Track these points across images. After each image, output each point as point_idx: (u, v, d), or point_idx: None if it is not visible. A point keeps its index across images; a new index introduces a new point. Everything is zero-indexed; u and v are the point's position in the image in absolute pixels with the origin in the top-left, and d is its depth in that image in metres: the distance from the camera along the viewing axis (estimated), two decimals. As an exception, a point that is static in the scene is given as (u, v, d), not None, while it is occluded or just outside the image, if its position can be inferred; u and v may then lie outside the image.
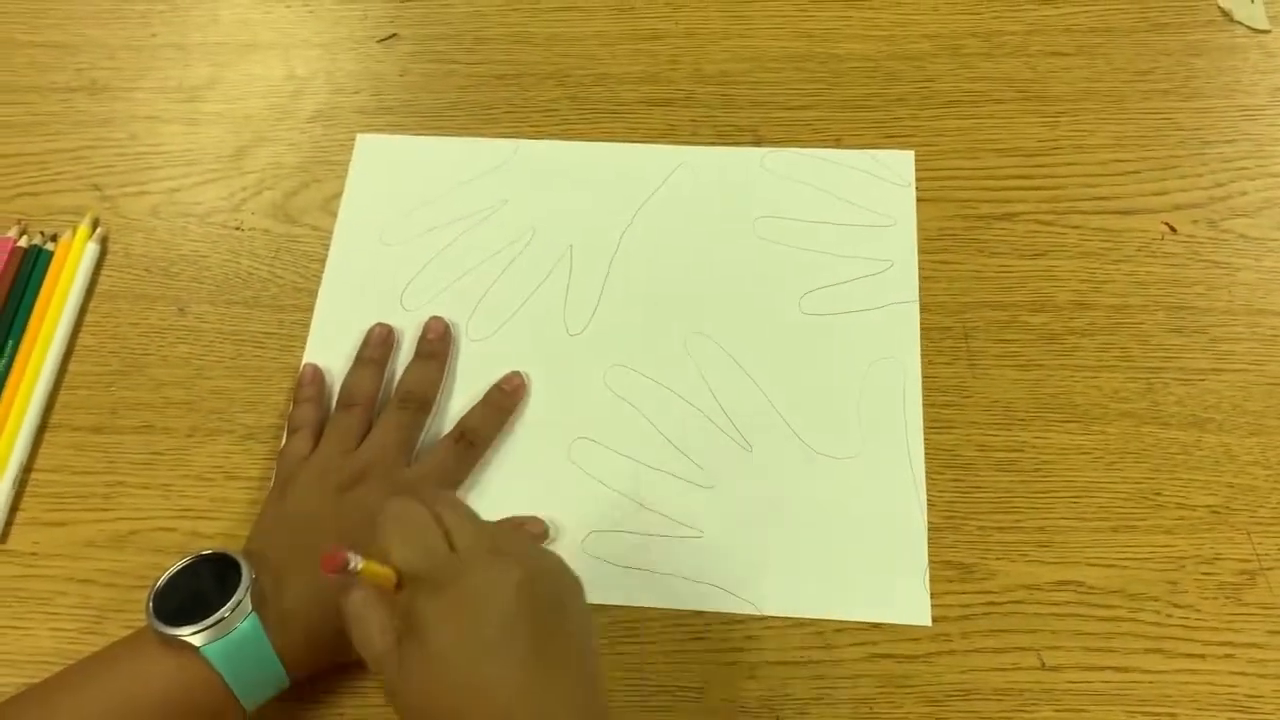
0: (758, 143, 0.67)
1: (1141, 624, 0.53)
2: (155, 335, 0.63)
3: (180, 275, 0.65)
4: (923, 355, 0.60)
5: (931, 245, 0.63)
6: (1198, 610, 0.53)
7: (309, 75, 0.72)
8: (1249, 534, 0.54)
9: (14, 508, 0.58)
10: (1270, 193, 0.64)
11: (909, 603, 0.53)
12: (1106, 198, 0.64)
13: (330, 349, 0.62)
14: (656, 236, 0.64)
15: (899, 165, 0.66)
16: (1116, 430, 0.57)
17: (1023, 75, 0.69)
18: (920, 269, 0.62)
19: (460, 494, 0.57)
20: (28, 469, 0.60)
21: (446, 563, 0.42)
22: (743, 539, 0.54)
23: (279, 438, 0.59)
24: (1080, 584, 0.54)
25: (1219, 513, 0.55)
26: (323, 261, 0.65)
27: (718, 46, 0.71)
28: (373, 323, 0.61)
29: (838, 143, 0.67)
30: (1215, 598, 0.53)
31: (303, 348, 0.62)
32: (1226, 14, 0.70)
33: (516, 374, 0.60)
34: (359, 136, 0.68)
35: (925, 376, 0.59)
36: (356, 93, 0.71)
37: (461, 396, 0.60)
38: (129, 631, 0.54)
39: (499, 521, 0.51)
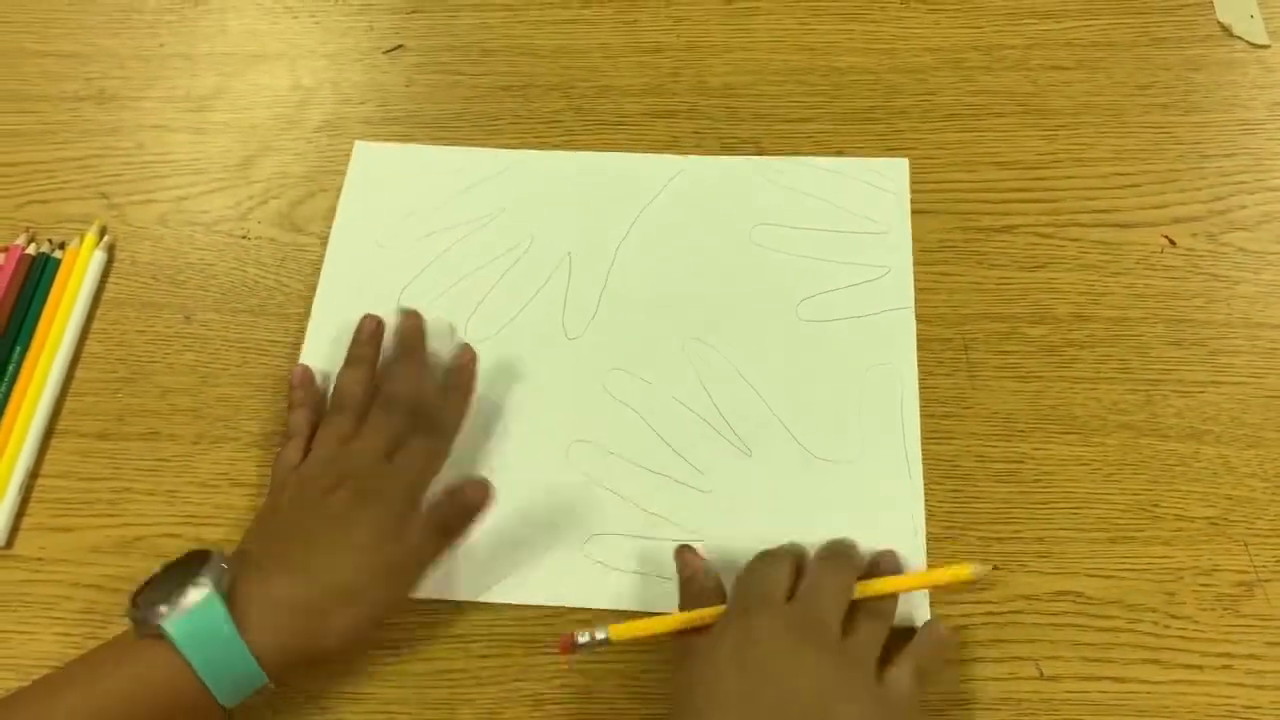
0: (759, 154, 0.67)
1: (1139, 635, 0.53)
2: (161, 343, 0.64)
3: (187, 283, 0.66)
4: (922, 366, 0.60)
5: (931, 257, 0.64)
6: (1195, 621, 0.53)
7: (315, 85, 0.73)
8: (1246, 546, 0.55)
9: (20, 513, 0.59)
10: (1269, 206, 0.64)
11: (908, 604, 0.53)
12: (1106, 210, 0.65)
13: (326, 351, 0.62)
14: (654, 243, 0.65)
15: (893, 173, 0.66)
16: (1115, 442, 0.58)
17: (1023, 89, 0.69)
18: (920, 280, 0.63)
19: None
20: (34, 474, 0.60)
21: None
22: (742, 543, 0.55)
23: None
24: (1079, 594, 0.54)
25: (1217, 524, 0.55)
26: (328, 270, 0.65)
27: (720, 59, 0.72)
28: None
29: (838, 154, 0.67)
30: (1213, 609, 0.53)
31: (308, 355, 0.62)
32: (1226, 29, 0.71)
33: (466, 347, 0.61)
34: (357, 144, 0.69)
35: (925, 387, 0.60)
36: (362, 103, 0.72)
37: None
38: (134, 637, 0.55)
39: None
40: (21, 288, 0.65)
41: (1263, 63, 0.70)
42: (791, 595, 0.49)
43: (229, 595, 0.48)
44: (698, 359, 0.61)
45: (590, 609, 0.54)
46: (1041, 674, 0.52)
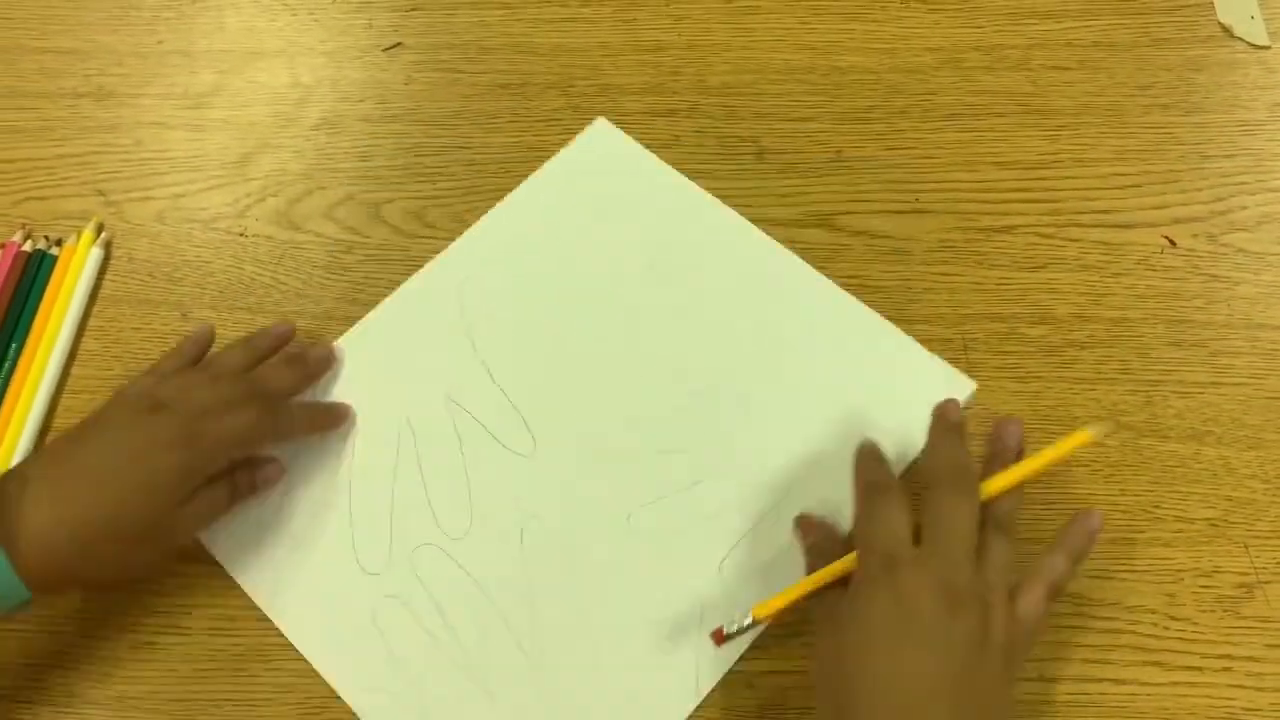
0: (759, 154, 0.67)
1: (1139, 636, 0.53)
2: (158, 340, 0.63)
3: (184, 281, 0.65)
4: (923, 366, 0.60)
5: (932, 257, 0.63)
6: (1195, 623, 0.53)
7: (314, 83, 0.72)
8: (1247, 547, 0.55)
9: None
10: (1269, 207, 0.64)
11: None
12: (1106, 211, 0.64)
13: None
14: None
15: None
16: (1115, 443, 0.57)
17: (1024, 89, 0.69)
18: (920, 280, 0.63)
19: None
20: (30, 472, 0.60)
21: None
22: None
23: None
24: (1078, 596, 0.54)
25: (1217, 526, 0.55)
26: (326, 267, 0.65)
27: (720, 58, 0.72)
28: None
29: (839, 155, 0.67)
30: (1213, 611, 0.53)
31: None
32: (1227, 30, 0.71)
33: (347, 407, 0.60)
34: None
35: (925, 387, 0.59)
36: (361, 100, 0.71)
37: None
38: (130, 635, 0.55)
39: None
40: (18, 284, 0.65)
41: (1264, 64, 0.70)
42: (917, 534, 0.47)
43: None
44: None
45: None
46: (1041, 675, 0.52)
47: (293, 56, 0.74)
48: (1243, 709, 0.51)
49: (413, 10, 0.75)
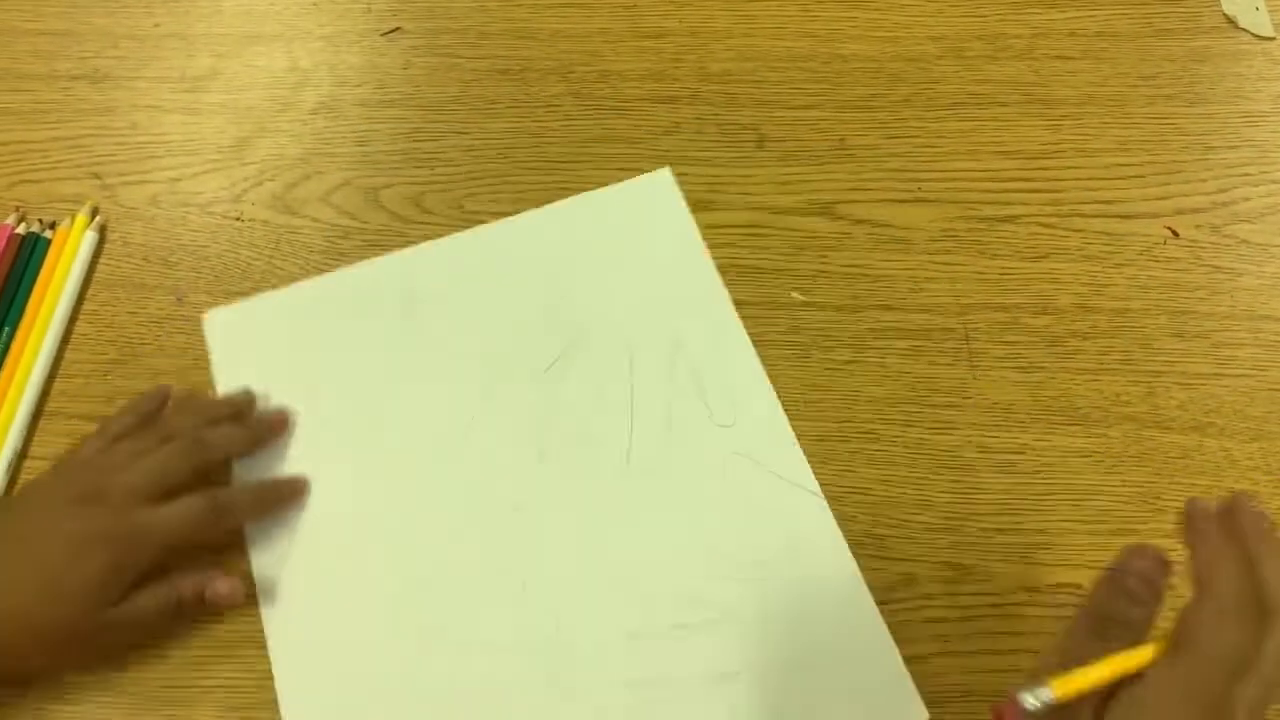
0: (760, 142, 0.67)
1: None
2: (153, 325, 0.63)
3: (179, 265, 0.65)
4: (923, 355, 0.60)
5: (934, 246, 0.63)
6: (1197, 614, 0.52)
7: (312, 67, 0.72)
8: (1249, 539, 0.54)
9: (7, 495, 0.58)
10: (1273, 198, 0.64)
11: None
12: (1109, 201, 0.64)
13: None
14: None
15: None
16: (1118, 434, 0.57)
17: (1027, 79, 0.69)
18: (922, 270, 0.62)
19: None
20: (23, 455, 0.59)
21: None
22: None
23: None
24: (1080, 587, 0.53)
25: (1219, 517, 0.55)
26: (324, 253, 0.64)
27: (722, 45, 0.71)
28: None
29: (840, 143, 0.67)
30: (1215, 602, 0.53)
31: (301, 339, 0.62)
32: (1231, 21, 0.70)
33: (301, 479, 0.57)
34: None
35: (925, 377, 0.59)
36: (359, 85, 0.71)
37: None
38: (122, 620, 0.54)
39: None
40: (11, 267, 0.64)
41: (1268, 55, 0.69)
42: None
43: None
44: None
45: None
46: (1041, 666, 0.51)
47: (290, 40, 0.73)
48: (1244, 701, 0.50)
49: (412, -5, 0.74)
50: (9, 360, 0.61)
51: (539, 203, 0.65)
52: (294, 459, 0.58)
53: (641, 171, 0.66)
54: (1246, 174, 0.65)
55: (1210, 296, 0.61)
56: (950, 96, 0.68)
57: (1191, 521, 0.43)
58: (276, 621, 0.54)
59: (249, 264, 0.64)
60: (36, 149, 0.69)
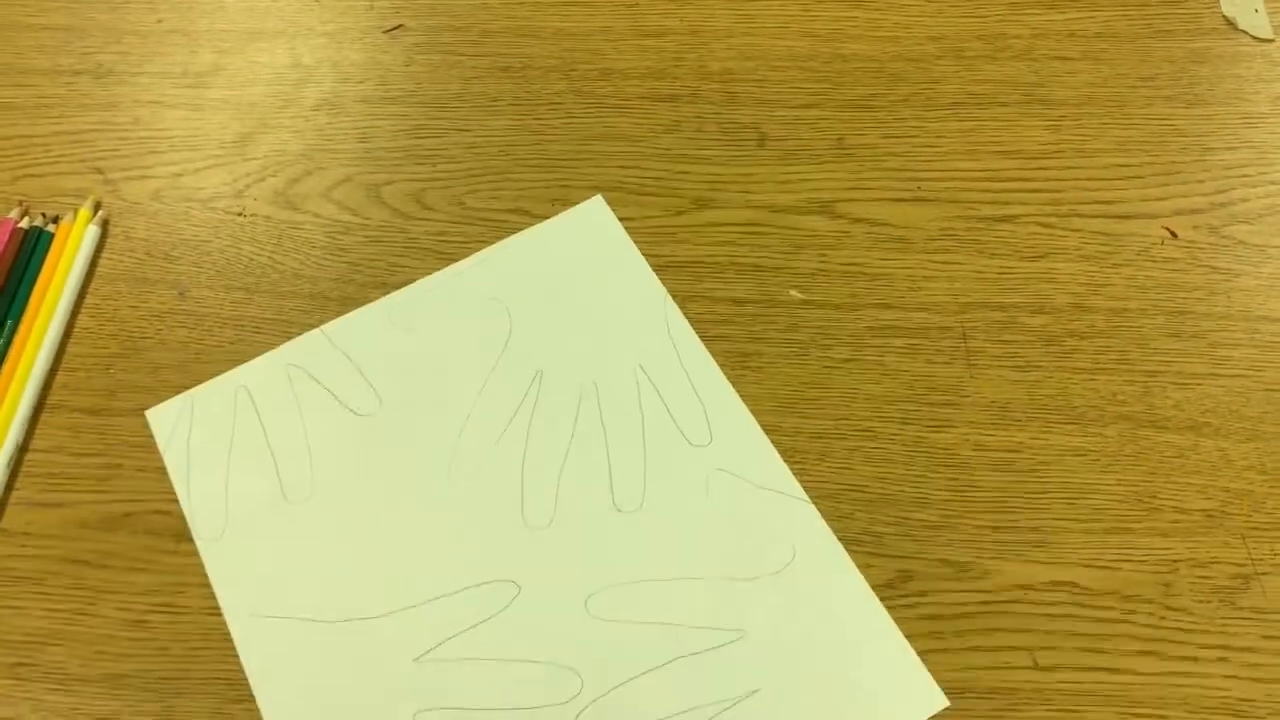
0: (761, 140, 0.67)
1: (1135, 626, 0.53)
2: (154, 319, 0.63)
3: (181, 259, 0.65)
4: (920, 354, 0.60)
5: (932, 245, 0.63)
6: (1191, 613, 0.53)
7: (314, 64, 0.72)
8: (1244, 538, 0.54)
9: (9, 487, 0.58)
10: (1271, 200, 0.64)
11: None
12: (1107, 201, 0.64)
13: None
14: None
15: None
16: (1114, 433, 0.57)
17: (1026, 79, 0.69)
18: (920, 269, 0.62)
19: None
20: (24, 449, 0.59)
21: None
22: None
23: (276, 423, 0.59)
24: (1074, 585, 0.54)
25: (1214, 517, 0.55)
26: (324, 249, 0.65)
27: (722, 44, 0.71)
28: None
29: (840, 142, 0.67)
30: (1209, 601, 0.53)
31: (302, 333, 0.62)
32: (1230, 22, 0.70)
33: None
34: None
35: (922, 375, 0.59)
36: (362, 82, 0.71)
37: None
38: (123, 614, 0.55)
39: None
40: (14, 261, 0.64)
41: (1267, 57, 0.69)
42: None
43: None
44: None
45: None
46: (1036, 664, 0.52)
47: (293, 37, 0.73)
48: (1238, 699, 0.51)
49: (414, -8, 0.75)
50: (11, 353, 0.61)
51: (540, 199, 0.66)
52: (264, 540, 0.57)
53: (641, 171, 0.67)
54: (1245, 175, 0.65)
55: (1208, 297, 0.61)
56: (950, 96, 0.68)
57: None
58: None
59: (251, 259, 0.65)
60: (39, 143, 0.69)
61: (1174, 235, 0.63)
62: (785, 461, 0.57)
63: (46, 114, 0.71)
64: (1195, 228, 0.63)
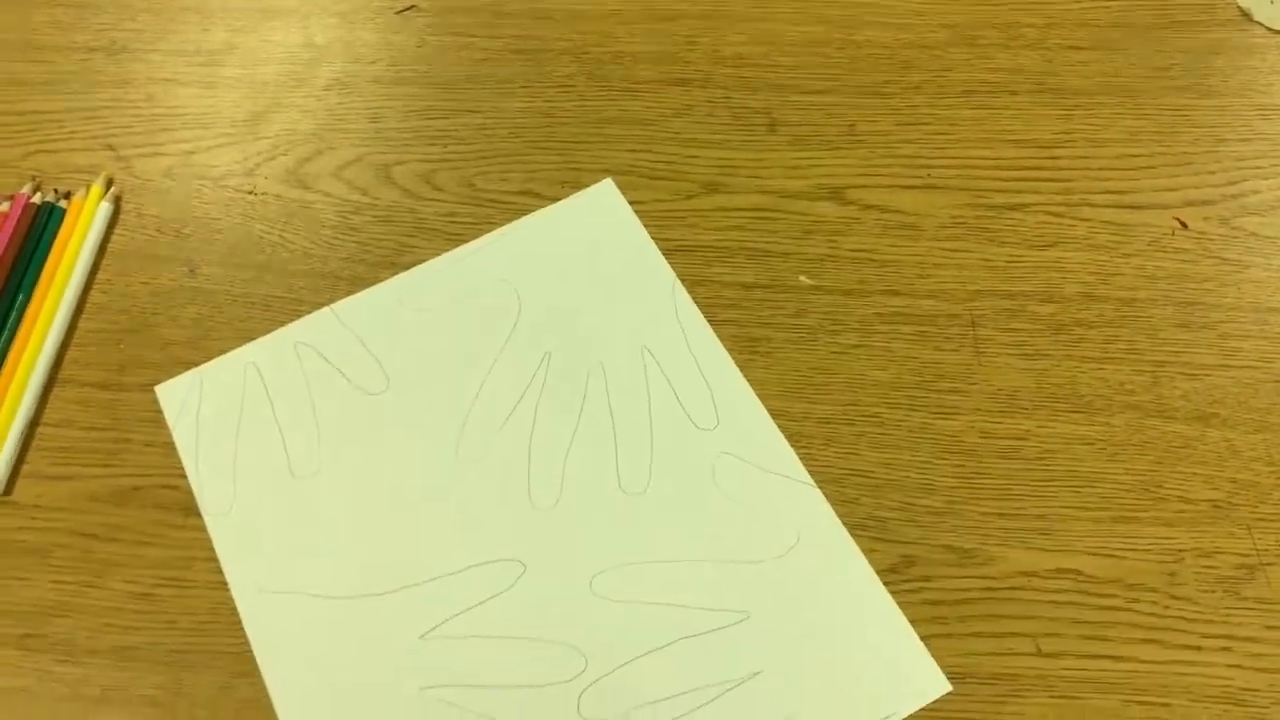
0: (772, 125, 0.67)
1: (1139, 614, 0.53)
2: (165, 295, 0.63)
3: (192, 237, 0.65)
4: (929, 341, 0.60)
5: (942, 233, 0.63)
6: (1195, 603, 0.53)
7: (327, 44, 0.72)
8: (1250, 529, 0.54)
9: (20, 460, 0.59)
10: (1283, 192, 0.64)
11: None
12: (1119, 191, 0.64)
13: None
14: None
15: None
16: (1121, 422, 0.57)
17: (1039, 68, 0.69)
18: (929, 256, 0.62)
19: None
20: (35, 422, 0.60)
21: None
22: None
23: (285, 400, 0.59)
24: (1079, 573, 0.54)
25: (1220, 507, 0.55)
26: (335, 228, 0.65)
27: (735, 29, 0.71)
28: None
29: (851, 129, 0.67)
30: (1214, 591, 0.53)
31: (310, 312, 0.62)
32: (1245, 13, 0.70)
33: None
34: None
35: (930, 362, 0.59)
36: (373, 63, 0.71)
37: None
38: (130, 587, 0.55)
39: None
40: (26, 236, 0.64)
41: (1282, 48, 0.69)
42: None
43: None
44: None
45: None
46: (1039, 650, 0.52)
47: (306, 16, 0.73)
48: (1240, 689, 0.51)
49: (427, -27, 0.75)
50: (23, 327, 0.62)
51: (550, 182, 0.66)
52: (272, 515, 0.57)
53: (651, 155, 0.67)
54: (1257, 167, 0.65)
55: (1217, 288, 0.61)
56: (962, 84, 0.68)
57: None
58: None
59: (261, 237, 0.65)
60: (53, 119, 0.70)
61: (1185, 226, 0.63)
62: (791, 446, 0.57)
63: (60, 90, 0.71)
64: (1206, 219, 0.63)
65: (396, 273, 0.63)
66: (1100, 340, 0.60)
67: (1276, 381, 0.58)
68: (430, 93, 0.70)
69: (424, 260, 0.64)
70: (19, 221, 0.64)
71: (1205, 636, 0.52)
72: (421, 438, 0.58)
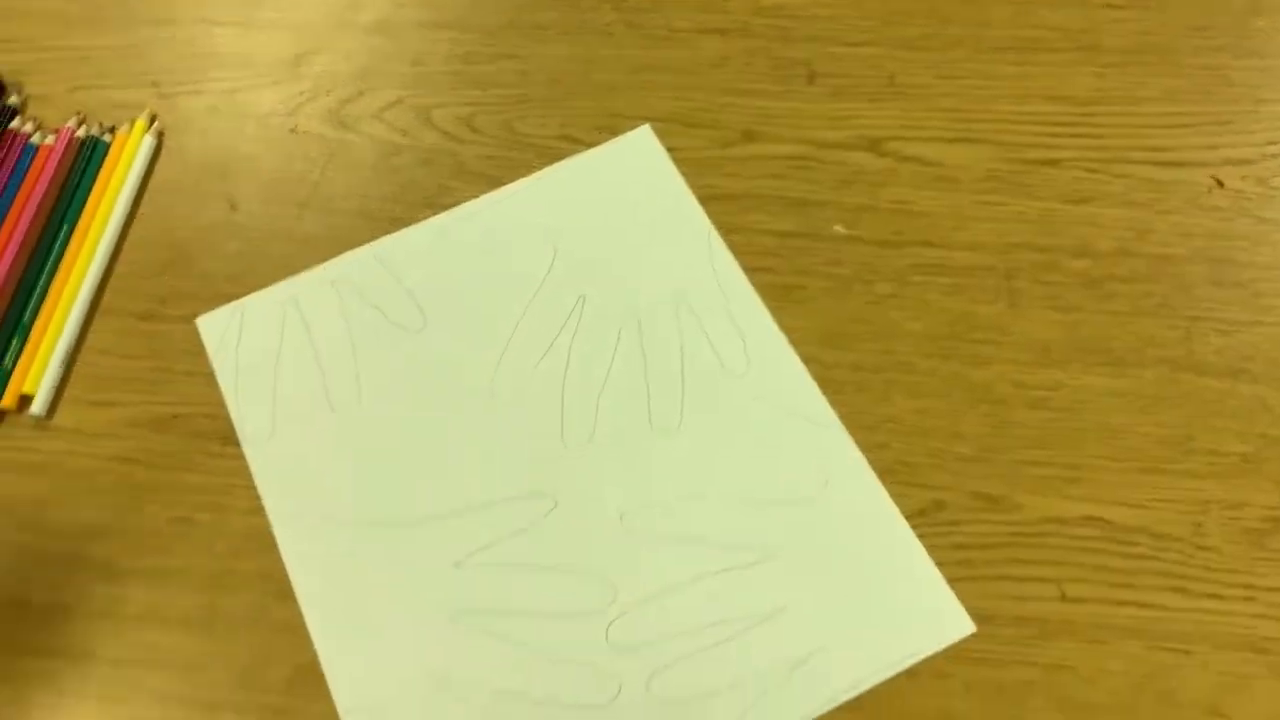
0: (811, 76, 0.67)
1: (1164, 563, 0.53)
2: (206, 230, 0.64)
3: (233, 173, 0.66)
4: (963, 293, 0.60)
5: (979, 186, 0.63)
6: (1221, 553, 0.53)
7: (369, -13, 0.73)
8: (1278, 483, 0.55)
9: (62, 386, 0.60)
10: (1321, 153, 0.64)
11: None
12: (1156, 149, 0.64)
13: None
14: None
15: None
16: (1152, 375, 0.58)
17: (1078, 25, 0.69)
18: (963, 208, 0.63)
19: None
20: (76, 350, 0.61)
21: None
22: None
23: (323, 334, 0.60)
24: (1106, 521, 0.54)
25: (1250, 461, 0.55)
26: (374, 168, 0.66)
27: (776, -20, 0.71)
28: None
29: (891, 81, 0.67)
30: (1239, 542, 0.53)
31: (350, 250, 0.63)
32: (1288, -24, 0.70)
33: None
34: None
35: (963, 314, 0.60)
36: (415, 6, 0.72)
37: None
38: (169, 511, 0.56)
39: None
40: (70, 169, 0.65)
41: (1324, 11, 0.69)
42: None
43: None
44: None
45: None
46: (1064, 595, 0.52)
47: (348, -40, 0.74)
48: (1263, 637, 0.51)
49: (469, -80, 0.75)
50: (67, 257, 0.63)
51: (588, 128, 0.66)
52: (310, 445, 0.58)
53: (689, 103, 0.67)
54: (1296, 128, 0.65)
55: (1252, 246, 0.61)
56: (1002, 40, 0.68)
57: None
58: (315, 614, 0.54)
59: (302, 175, 0.66)
60: (96, 56, 0.70)
61: (1221, 185, 0.63)
62: (823, 392, 0.58)
63: (105, 27, 0.71)
64: (1244, 178, 0.63)
65: (435, 213, 0.64)
66: (1134, 295, 0.60)
67: (1309, 339, 0.58)
68: (471, 38, 0.70)
69: (462, 202, 0.64)
70: (64, 155, 0.65)
71: (1229, 586, 0.52)
72: (457, 375, 0.59)
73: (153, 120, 0.68)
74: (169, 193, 0.66)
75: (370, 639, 0.53)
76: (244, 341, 0.60)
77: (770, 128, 0.66)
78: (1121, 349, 0.58)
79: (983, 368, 0.58)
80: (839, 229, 0.63)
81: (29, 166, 0.65)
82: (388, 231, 0.63)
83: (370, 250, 0.63)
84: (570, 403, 0.58)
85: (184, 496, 0.57)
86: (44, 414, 0.59)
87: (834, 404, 0.57)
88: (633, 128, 0.66)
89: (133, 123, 0.67)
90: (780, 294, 0.61)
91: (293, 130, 0.67)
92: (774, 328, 0.60)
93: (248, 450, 0.58)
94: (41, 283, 0.62)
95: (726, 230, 0.63)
